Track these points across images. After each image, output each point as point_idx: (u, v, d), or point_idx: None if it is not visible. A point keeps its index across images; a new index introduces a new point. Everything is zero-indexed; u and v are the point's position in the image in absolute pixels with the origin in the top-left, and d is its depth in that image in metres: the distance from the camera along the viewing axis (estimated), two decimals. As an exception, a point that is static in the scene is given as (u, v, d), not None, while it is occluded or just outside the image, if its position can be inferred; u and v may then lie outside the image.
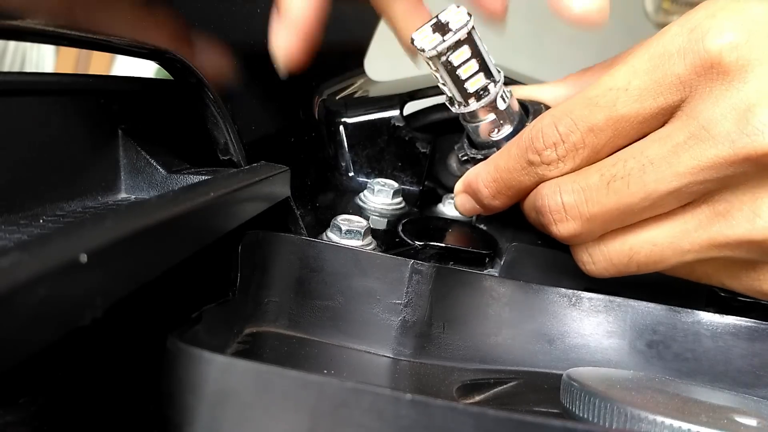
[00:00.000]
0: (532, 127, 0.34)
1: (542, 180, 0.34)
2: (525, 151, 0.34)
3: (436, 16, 0.34)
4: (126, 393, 0.26)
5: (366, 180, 0.45)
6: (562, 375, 0.27)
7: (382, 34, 0.58)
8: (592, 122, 0.31)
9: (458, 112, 0.37)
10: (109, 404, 0.26)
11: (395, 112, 0.46)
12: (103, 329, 0.25)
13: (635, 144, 0.31)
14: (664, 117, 0.31)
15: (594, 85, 0.32)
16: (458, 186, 0.39)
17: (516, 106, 0.37)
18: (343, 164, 0.45)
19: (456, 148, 0.41)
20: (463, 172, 0.41)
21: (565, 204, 0.32)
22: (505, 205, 0.37)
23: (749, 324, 0.32)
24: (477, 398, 0.29)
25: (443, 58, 0.34)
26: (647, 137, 0.31)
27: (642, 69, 0.31)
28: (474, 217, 0.42)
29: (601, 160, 0.32)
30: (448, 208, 0.45)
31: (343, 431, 0.17)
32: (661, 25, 1.89)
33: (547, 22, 1.86)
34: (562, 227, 0.33)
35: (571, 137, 0.32)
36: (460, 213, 0.40)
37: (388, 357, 0.31)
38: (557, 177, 0.33)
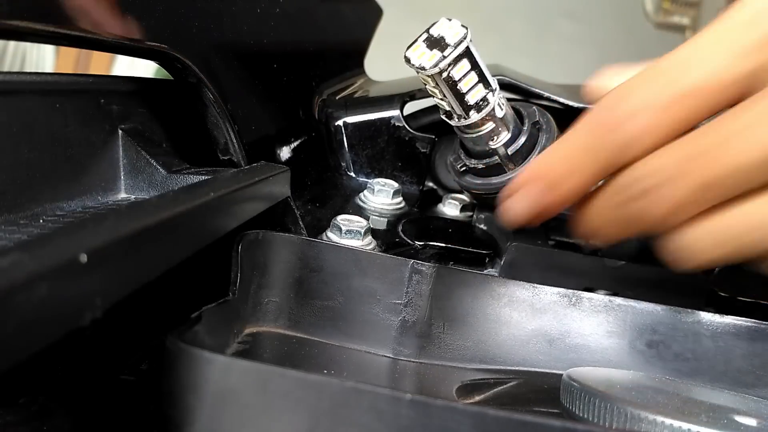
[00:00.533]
0: (603, 105, 0.31)
1: (618, 163, 0.31)
2: (599, 128, 0.31)
3: (427, 31, 0.34)
4: (126, 393, 0.26)
5: (366, 180, 0.45)
6: (562, 375, 0.27)
7: (382, 34, 0.58)
8: (669, 94, 0.29)
9: (458, 125, 0.37)
10: (110, 404, 0.26)
11: (395, 112, 0.46)
12: (103, 329, 0.25)
13: (729, 111, 0.29)
14: (750, 82, 0.29)
15: (668, 56, 0.30)
16: (515, 183, 0.35)
17: (511, 111, 0.37)
18: (343, 164, 0.45)
19: (452, 160, 0.40)
20: (463, 185, 0.41)
21: (669, 179, 0.30)
22: (578, 189, 0.33)
23: (749, 324, 0.32)
24: (477, 398, 0.29)
25: (444, 75, 0.34)
26: (740, 104, 0.29)
27: (722, 33, 0.29)
28: (474, 217, 0.42)
29: (688, 132, 0.30)
30: (448, 208, 0.45)
31: (343, 431, 0.17)
32: (661, 25, 1.89)
33: (547, 22, 1.86)
34: (665, 205, 0.30)
35: (647, 112, 0.30)
36: (509, 221, 0.36)
37: (388, 357, 0.31)
38: (644, 156, 0.31)
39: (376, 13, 0.58)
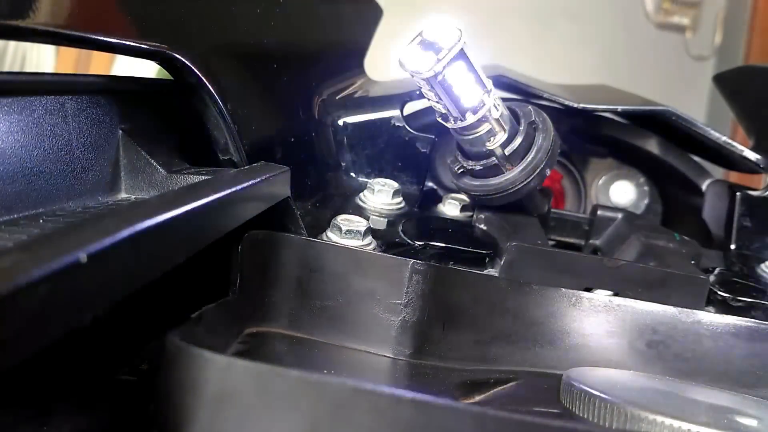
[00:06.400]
0: None
1: None
2: None
3: (420, 34, 0.34)
4: (126, 393, 0.26)
5: (366, 180, 0.45)
6: (562, 375, 0.27)
7: (382, 35, 0.58)
8: None
9: (454, 127, 0.37)
10: (110, 404, 0.26)
11: (395, 112, 0.46)
12: (103, 329, 0.25)
13: None
14: None
15: None
16: None
17: (506, 112, 0.37)
18: (343, 164, 0.45)
19: (449, 162, 0.41)
20: (461, 187, 0.41)
21: None
22: None
23: (749, 324, 0.32)
24: (477, 398, 0.29)
25: (439, 77, 0.34)
26: None
27: None
28: (474, 217, 0.42)
29: None
30: (448, 208, 0.44)
31: (343, 431, 0.17)
32: (661, 25, 1.89)
33: (547, 22, 1.86)
34: None
35: None
36: None
37: (388, 357, 0.31)
38: None
39: (376, 13, 0.58)
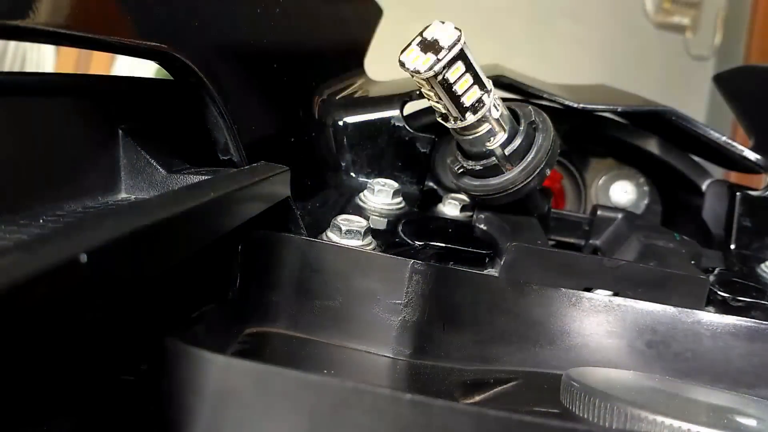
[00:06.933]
0: None
1: None
2: None
3: (420, 34, 0.34)
4: (126, 393, 0.26)
5: (366, 180, 0.45)
6: (562, 375, 0.28)
7: (382, 34, 0.58)
8: None
9: (454, 127, 0.37)
10: (110, 404, 0.26)
11: (395, 112, 0.46)
12: (103, 329, 0.25)
13: None
14: None
15: None
16: None
17: (506, 112, 0.37)
18: (343, 164, 0.45)
19: (449, 162, 0.41)
20: (461, 187, 0.41)
21: None
22: None
23: (749, 324, 0.32)
24: (477, 398, 0.29)
25: (439, 77, 0.34)
26: None
27: None
28: (474, 217, 0.42)
29: None
30: (448, 208, 0.44)
31: (343, 431, 0.17)
32: (661, 25, 1.89)
33: (547, 22, 1.86)
34: None
35: None
36: None
37: (388, 357, 0.31)
38: None
39: (376, 13, 0.58)
